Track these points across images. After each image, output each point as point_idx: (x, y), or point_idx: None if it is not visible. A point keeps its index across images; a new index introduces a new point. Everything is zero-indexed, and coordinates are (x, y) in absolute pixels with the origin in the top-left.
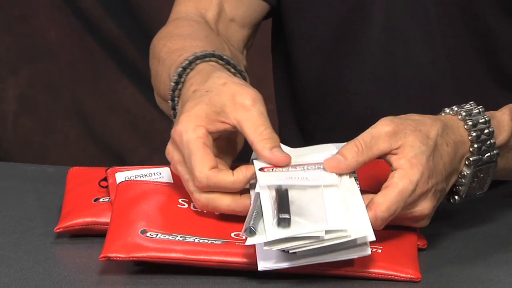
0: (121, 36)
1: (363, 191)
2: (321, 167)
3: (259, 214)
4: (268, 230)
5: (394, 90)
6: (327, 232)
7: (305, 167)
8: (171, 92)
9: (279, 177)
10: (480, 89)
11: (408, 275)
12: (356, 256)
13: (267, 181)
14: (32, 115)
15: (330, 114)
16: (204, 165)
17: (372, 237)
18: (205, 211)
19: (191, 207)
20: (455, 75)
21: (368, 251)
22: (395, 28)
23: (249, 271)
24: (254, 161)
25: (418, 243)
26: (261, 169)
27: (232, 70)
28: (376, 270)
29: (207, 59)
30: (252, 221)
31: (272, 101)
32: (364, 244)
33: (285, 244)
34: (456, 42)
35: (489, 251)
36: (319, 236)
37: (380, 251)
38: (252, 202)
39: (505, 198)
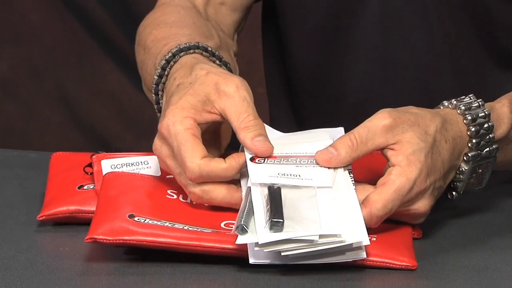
0: (106, 18)
1: (357, 182)
2: (315, 161)
3: (251, 210)
4: (260, 232)
5: (390, 74)
6: (321, 236)
7: (298, 160)
8: (154, 86)
9: (271, 172)
10: (479, 71)
11: (404, 263)
12: (350, 260)
13: (258, 177)
14: (14, 100)
15: (324, 99)
16: (195, 155)
17: (367, 241)
18: (194, 202)
19: (180, 198)
20: (453, 58)
21: (363, 255)
22: (391, 11)
23: (239, 259)
24: (245, 149)
25: (413, 232)
26: (252, 159)
27: (217, 62)
28: (371, 258)
29: (191, 51)
30: (244, 218)
31: (263, 85)
32: (359, 247)
33: (278, 246)
34: (454, 24)
35: (485, 238)
36: (312, 240)
37: (374, 239)
38: (243, 196)
39: (503, 183)
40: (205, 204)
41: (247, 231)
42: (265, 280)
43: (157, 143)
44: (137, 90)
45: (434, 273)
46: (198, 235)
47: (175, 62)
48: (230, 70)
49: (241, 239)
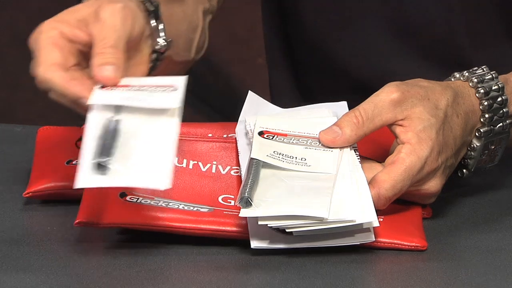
0: None
1: (363, 159)
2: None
3: (255, 182)
4: (265, 204)
5: (403, 46)
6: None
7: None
8: None
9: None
10: (496, 43)
11: (413, 244)
12: (358, 243)
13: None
14: None
15: (329, 72)
16: (45, 61)
17: (376, 223)
18: (190, 167)
19: (176, 162)
20: (470, 29)
21: (372, 237)
22: None
23: (238, 241)
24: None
25: (423, 212)
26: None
27: None
28: (379, 239)
29: None
30: (248, 190)
31: (262, 55)
32: (367, 229)
33: (283, 221)
34: None
35: (499, 218)
36: (321, 218)
37: (381, 219)
38: (247, 167)
39: None
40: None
41: (251, 204)
42: (265, 262)
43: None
44: None
45: (445, 255)
46: (194, 216)
47: None
48: (155, 12)
49: (244, 213)
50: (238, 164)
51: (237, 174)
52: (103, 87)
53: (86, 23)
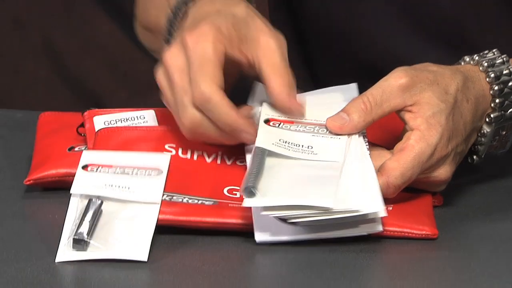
0: None
1: (372, 146)
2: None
3: (260, 172)
4: (270, 194)
5: (411, 28)
6: (334, 205)
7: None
8: (169, 18)
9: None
10: (505, 25)
11: (424, 232)
12: (365, 233)
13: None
14: None
15: (338, 55)
16: (214, 79)
17: (383, 213)
18: (195, 158)
19: (179, 153)
20: (478, 11)
21: (379, 228)
22: None
23: (243, 232)
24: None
25: (433, 199)
26: (267, 121)
27: None
28: (388, 228)
29: None
30: (253, 180)
31: None
32: (375, 219)
33: (287, 212)
34: None
35: (511, 206)
36: (326, 208)
37: (391, 208)
38: (252, 156)
39: None
40: (195, 138)
41: (255, 194)
42: (272, 251)
43: (174, 50)
44: (131, 43)
45: (456, 244)
46: (198, 210)
47: None
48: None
49: (247, 202)
50: (244, 154)
51: (243, 164)
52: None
53: (248, 45)
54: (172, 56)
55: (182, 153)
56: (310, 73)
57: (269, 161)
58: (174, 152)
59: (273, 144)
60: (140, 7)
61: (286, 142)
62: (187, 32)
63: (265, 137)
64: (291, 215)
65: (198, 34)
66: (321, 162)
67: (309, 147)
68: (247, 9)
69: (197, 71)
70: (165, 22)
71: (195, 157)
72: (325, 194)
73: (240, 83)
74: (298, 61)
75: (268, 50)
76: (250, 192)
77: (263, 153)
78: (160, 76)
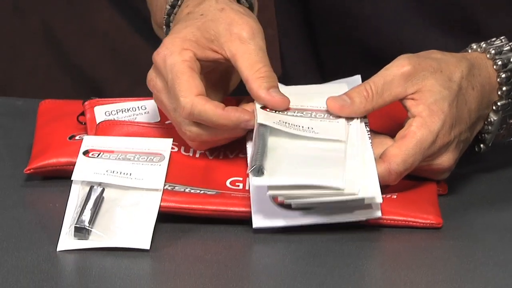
0: None
1: (374, 134)
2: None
3: (265, 151)
4: (278, 173)
5: (417, 14)
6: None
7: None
8: (166, 16)
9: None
10: None
11: (428, 221)
12: (364, 219)
13: (266, 120)
14: None
15: (343, 42)
16: (189, 90)
17: (379, 198)
18: (197, 156)
19: (182, 151)
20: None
21: (378, 213)
22: None
23: (246, 219)
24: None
25: (438, 188)
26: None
27: None
28: (392, 217)
29: None
30: (260, 158)
31: (273, 25)
32: (372, 205)
33: (290, 191)
34: None
35: None
36: (338, 188)
37: (395, 197)
38: (255, 135)
39: None
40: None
41: (263, 173)
42: (275, 240)
43: (152, 74)
44: (132, 29)
45: (461, 233)
46: (201, 198)
47: None
48: (251, 6)
49: (256, 181)
50: (246, 147)
51: (245, 156)
52: (87, 152)
53: (218, 42)
54: (151, 81)
55: (185, 151)
56: (317, 60)
57: (272, 142)
58: (176, 149)
59: (274, 122)
60: (148, 4)
61: (286, 123)
62: (155, 53)
63: (265, 117)
64: (295, 194)
65: (163, 51)
66: (324, 143)
67: (310, 128)
68: (216, 3)
69: (172, 87)
70: (164, 24)
71: (197, 155)
72: (334, 175)
73: None
74: (305, 48)
75: (242, 44)
76: (259, 171)
77: (265, 131)
78: (155, 101)
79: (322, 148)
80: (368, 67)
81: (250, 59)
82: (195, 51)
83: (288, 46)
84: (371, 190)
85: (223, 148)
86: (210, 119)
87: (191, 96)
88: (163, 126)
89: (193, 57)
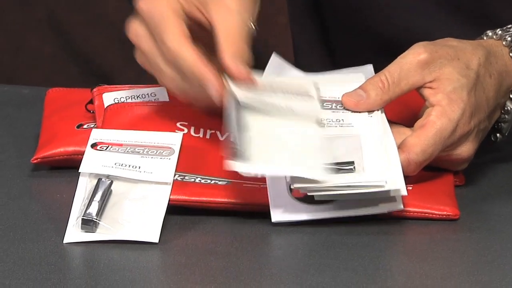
0: None
1: (391, 123)
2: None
3: (241, 128)
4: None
5: (430, 1)
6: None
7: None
8: None
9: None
10: None
11: (445, 212)
12: (386, 211)
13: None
14: (1, 30)
15: (356, 30)
16: (176, 31)
17: (404, 191)
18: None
19: (192, 132)
20: None
21: (400, 206)
22: None
23: (257, 212)
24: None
25: (454, 179)
26: None
27: None
28: (407, 208)
29: None
30: (240, 142)
31: (284, 13)
32: (395, 198)
33: (315, 184)
34: None
35: None
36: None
37: (411, 188)
38: (231, 114)
39: None
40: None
41: (242, 157)
42: (288, 232)
43: (133, 22)
44: None
45: (478, 224)
46: (211, 190)
47: None
48: None
49: (235, 165)
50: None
51: None
52: (95, 145)
53: (207, 5)
54: (132, 29)
55: (195, 132)
56: (329, 49)
57: (256, 125)
58: (186, 130)
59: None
60: None
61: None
62: (140, 1)
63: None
64: (318, 187)
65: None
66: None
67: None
68: None
69: (158, 29)
70: None
71: (208, 135)
72: (315, 166)
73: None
74: (316, 37)
75: (227, 13)
76: (240, 156)
77: (238, 107)
78: (136, 56)
79: (316, 137)
80: (380, 56)
81: (231, 31)
82: (183, 4)
83: (300, 34)
84: (396, 182)
85: None
86: (186, 63)
87: (177, 36)
88: (173, 106)
89: (181, 9)
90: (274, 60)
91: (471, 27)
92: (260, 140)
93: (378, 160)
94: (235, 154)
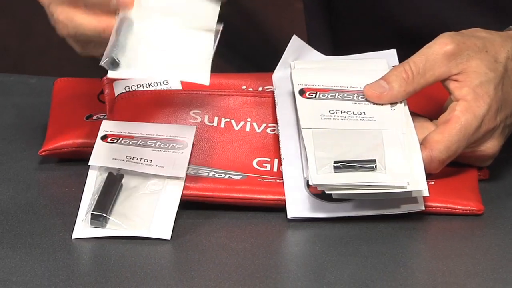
0: None
1: (415, 116)
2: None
3: (124, 43)
4: (136, 65)
5: None
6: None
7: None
8: None
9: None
10: None
11: (469, 207)
12: (406, 211)
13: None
14: (7, 16)
15: (374, 20)
16: None
17: (426, 192)
18: (222, 126)
19: (205, 120)
20: None
21: (421, 207)
22: None
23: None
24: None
25: (478, 173)
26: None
27: None
28: (429, 203)
29: None
30: (114, 49)
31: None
32: (415, 198)
33: (335, 182)
34: None
35: None
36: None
37: (433, 182)
38: (116, 25)
39: None
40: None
41: (118, 65)
42: (305, 227)
43: None
44: None
45: (503, 220)
46: (226, 185)
47: None
48: None
49: (112, 74)
50: (275, 121)
51: (273, 132)
52: (105, 137)
53: None
54: None
55: (209, 121)
56: (332, 41)
57: (136, 35)
58: (200, 119)
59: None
60: None
61: (334, 111)
62: None
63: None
64: (339, 186)
65: None
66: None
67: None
68: None
69: None
70: None
71: (222, 124)
72: (199, 69)
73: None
74: (329, 26)
75: None
76: (113, 63)
77: (130, 24)
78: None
79: (189, 41)
80: (403, 47)
81: None
82: None
83: (314, 23)
84: (419, 183)
85: (250, 120)
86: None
87: (59, 3)
88: (186, 94)
89: None
90: (295, 42)
91: (499, 18)
92: (138, 46)
93: (400, 159)
94: (109, 61)
